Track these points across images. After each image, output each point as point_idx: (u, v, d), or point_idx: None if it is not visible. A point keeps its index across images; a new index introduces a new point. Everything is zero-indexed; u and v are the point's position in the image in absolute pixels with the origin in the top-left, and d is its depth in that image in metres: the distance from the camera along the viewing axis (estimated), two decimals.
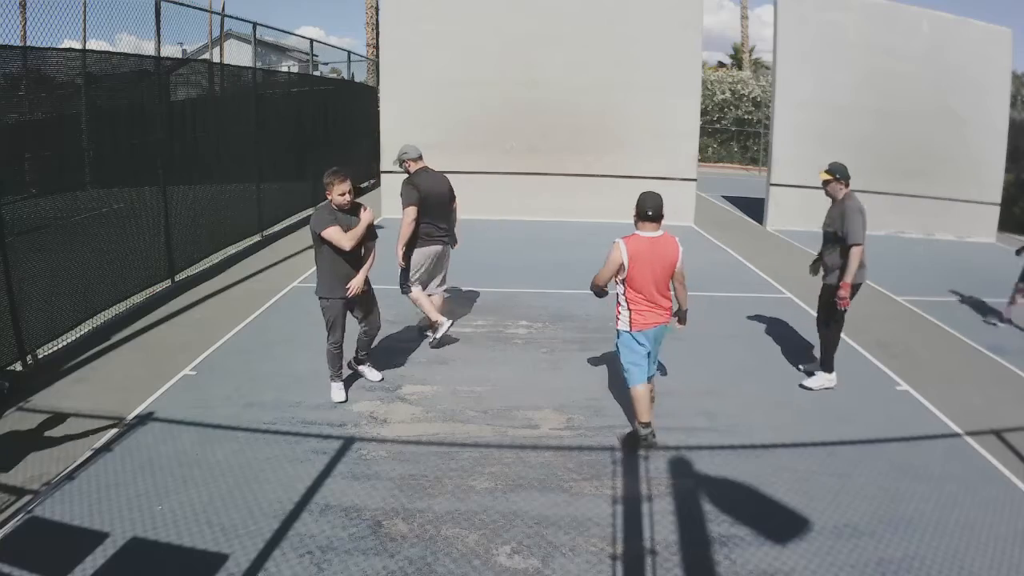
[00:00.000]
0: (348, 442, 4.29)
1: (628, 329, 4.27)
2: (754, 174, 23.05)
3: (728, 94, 25.80)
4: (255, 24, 10.53)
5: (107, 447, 4.12)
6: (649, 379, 4.45)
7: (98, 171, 6.80)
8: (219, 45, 14.79)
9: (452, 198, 5.90)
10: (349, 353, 5.11)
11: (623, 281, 4.23)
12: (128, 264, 6.76)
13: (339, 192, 4.53)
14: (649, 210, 4.13)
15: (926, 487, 3.95)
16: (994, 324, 7.22)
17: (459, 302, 7.20)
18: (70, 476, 3.79)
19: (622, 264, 4.15)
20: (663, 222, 4.18)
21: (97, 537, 3.27)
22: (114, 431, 4.30)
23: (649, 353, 4.35)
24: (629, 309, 4.24)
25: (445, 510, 3.62)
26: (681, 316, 4.49)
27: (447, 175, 5.91)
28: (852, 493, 3.86)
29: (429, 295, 5.93)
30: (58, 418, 4.46)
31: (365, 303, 4.90)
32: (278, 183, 10.75)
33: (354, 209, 4.69)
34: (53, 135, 6.30)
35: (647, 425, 4.30)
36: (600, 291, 4.39)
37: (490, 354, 5.87)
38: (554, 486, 3.88)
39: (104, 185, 6.89)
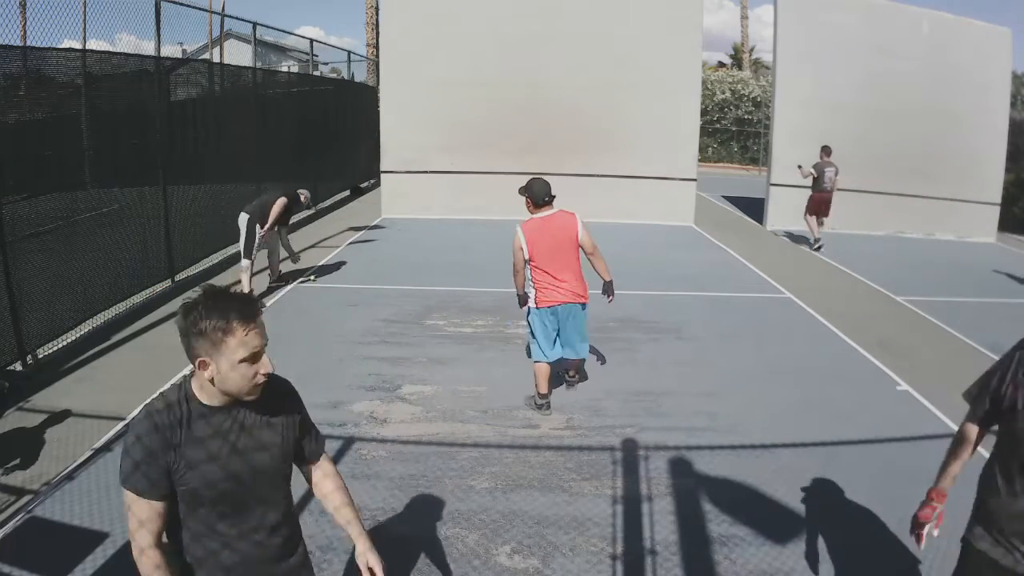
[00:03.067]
0: (348, 442, 4.29)
1: (535, 306, 4.58)
2: (754, 174, 23.05)
3: (728, 94, 25.81)
4: (255, 24, 10.55)
5: (107, 447, 4.11)
6: (573, 368, 5.04)
7: (98, 171, 6.80)
8: (219, 45, 14.79)
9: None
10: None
11: (529, 262, 4.51)
12: (128, 264, 6.76)
13: (237, 355, 1.70)
14: (544, 196, 4.47)
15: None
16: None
17: (460, 302, 7.20)
18: (70, 476, 3.79)
19: (523, 247, 4.46)
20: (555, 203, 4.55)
21: (97, 537, 3.26)
22: (114, 431, 4.30)
23: (559, 332, 4.60)
24: (535, 288, 4.55)
25: (445, 510, 3.62)
26: (607, 288, 4.72)
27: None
28: (852, 493, 3.86)
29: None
30: (58, 418, 4.47)
31: None
32: (278, 183, 10.71)
33: (272, 402, 1.84)
34: (53, 135, 6.30)
35: (544, 396, 4.69)
36: (521, 297, 4.69)
37: (490, 354, 5.86)
38: (554, 486, 3.87)
39: (104, 185, 6.89)
